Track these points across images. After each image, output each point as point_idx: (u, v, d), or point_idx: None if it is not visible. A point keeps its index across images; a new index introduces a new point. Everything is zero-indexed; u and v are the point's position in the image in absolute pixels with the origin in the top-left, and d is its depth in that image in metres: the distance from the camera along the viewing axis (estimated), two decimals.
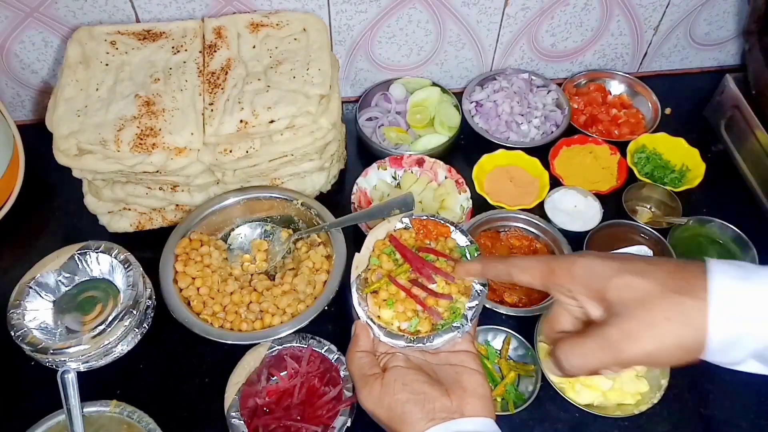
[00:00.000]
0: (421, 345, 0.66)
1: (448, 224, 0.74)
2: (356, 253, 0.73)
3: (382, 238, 0.74)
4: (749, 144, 1.03)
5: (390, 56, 1.11)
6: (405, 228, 0.75)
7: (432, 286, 0.68)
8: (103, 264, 0.86)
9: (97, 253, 0.86)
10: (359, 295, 0.70)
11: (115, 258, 0.85)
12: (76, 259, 0.85)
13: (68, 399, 0.74)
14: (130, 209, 0.94)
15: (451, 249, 0.72)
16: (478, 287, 0.69)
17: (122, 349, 0.82)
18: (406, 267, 0.70)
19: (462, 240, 0.73)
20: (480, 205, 0.97)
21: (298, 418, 0.76)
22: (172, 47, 0.92)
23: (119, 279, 0.85)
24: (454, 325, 0.67)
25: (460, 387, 0.62)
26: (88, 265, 0.86)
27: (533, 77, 1.15)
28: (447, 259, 0.70)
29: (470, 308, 0.68)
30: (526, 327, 0.85)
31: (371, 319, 0.68)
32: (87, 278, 0.87)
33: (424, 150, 1.03)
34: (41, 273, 0.83)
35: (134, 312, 0.81)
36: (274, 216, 0.94)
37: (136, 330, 0.83)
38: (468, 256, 0.71)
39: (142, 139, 0.82)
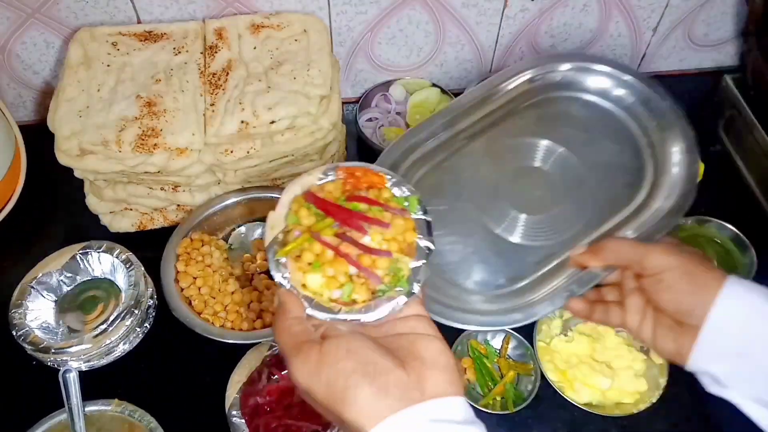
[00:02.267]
0: (357, 317, 0.51)
1: (382, 173, 0.58)
2: (270, 212, 0.57)
3: (300, 193, 0.58)
4: (748, 144, 1.03)
5: (390, 57, 1.11)
6: (330, 181, 0.58)
7: (365, 240, 0.53)
8: (104, 264, 0.86)
9: (98, 252, 0.86)
10: (277, 261, 0.54)
11: (117, 258, 0.85)
12: (78, 258, 0.86)
13: (70, 398, 0.74)
14: (131, 209, 0.94)
15: (387, 200, 0.56)
16: (424, 244, 0.55)
17: (124, 348, 0.83)
18: (331, 221, 0.54)
19: (399, 192, 0.57)
20: None
21: (299, 417, 0.77)
22: (174, 48, 0.92)
23: (121, 279, 0.86)
24: (398, 289, 0.52)
25: (416, 358, 0.47)
26: (89, 265, 0.86)
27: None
28: (383, 207, 0.55)
29: (414, 269, 0.53)
30: (525, 326, 0.85)
31: (295, 289, 0.53)
32: (89, 278, 0.87)
33: None
34: (43, 273, 0.84)
35: (136, 311, 0.82)
36: None
37: (138, 329, 0.83)
38: (410, 207, 0.56)
39: (143, 140, 0.83)
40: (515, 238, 0.69)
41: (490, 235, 0.65)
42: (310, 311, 0.52)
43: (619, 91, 0.76)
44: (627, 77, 0.76)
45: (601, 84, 0.76)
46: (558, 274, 0.66)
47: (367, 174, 0.58)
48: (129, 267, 0.84)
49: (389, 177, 0.58)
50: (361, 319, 0.51)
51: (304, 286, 0.53)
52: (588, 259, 0.63)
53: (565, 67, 0.77)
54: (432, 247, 0.55)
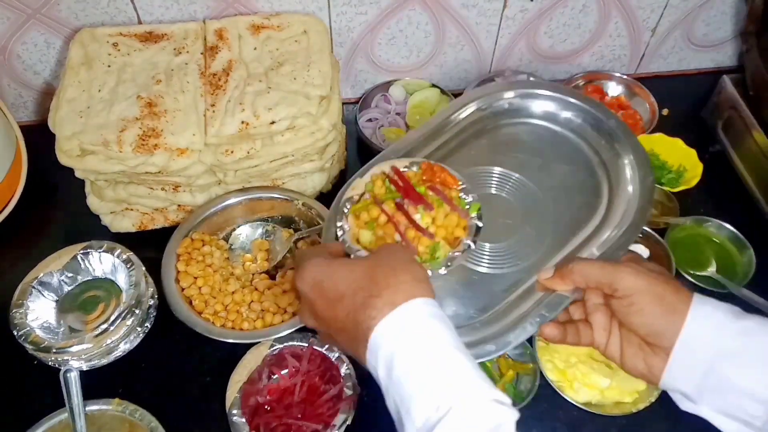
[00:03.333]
0: None
1: (458, 177, 0.68)
2: (357, 176, 0.69)
3: (386, 170, 0.69)
4: (746, 144, 1.04)
5: (390, 58, 1.11)
6: (413, 171, 0.69)
7: (416, 217, 0.64)
8: (105, 264, 0.87)
9: (99, 252, 0.86)
10: (344, 213, 0.66)
11: (118, 258, 0.86)
12: (79, 258, 0.86)
13: (71, 398, 0.75)
14: (132, 209, 0.94)
15: (452, 198, 0.67)
16: (468, 242, 0.64)
17: (124, 348, 0.83)
18: (395, 194, 0.65)
19: (465, 196, 0.67)
20: None
21: (299, 416, 0.77)
22: (174, 49, 0.93)
23: (122, 278, 0.86)
24: (427, 266, 0.61)
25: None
26: (90, 265, 0.87)
27: (531, 78, 1.15)
28: (444, 199, 0.65)
29: (451, 258, 0.62)
30: None
31: (348, 241, 0.64)
32: (90, 278, 0.87)
33: None
34: (44, 273, 0.84)
35: (136, 311, 0.82)
36: (275, 216, 0.95)
37: (139, 329, 0.84)
38: (471, 210, 0.66)
39: (144, 140, 0.83)
40: (482, 267, 0.69)
41: (455, 267, 0.65)
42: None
43: (566, 114, 0.76)
44: (571, 100, 0.76)
45: (547, 108, 0.77)
46: (527, 298, 0.65)
47: (444, 172, 0.68)
48: (130, 267, 0.85)
49: (462, 183, 0.68)
50: None
51: (357, 241, 0.64)
52: (556, 283, 0.63)
53: (510, 94, 0.78)
54: (472, 246, 0.64)
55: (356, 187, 0.68)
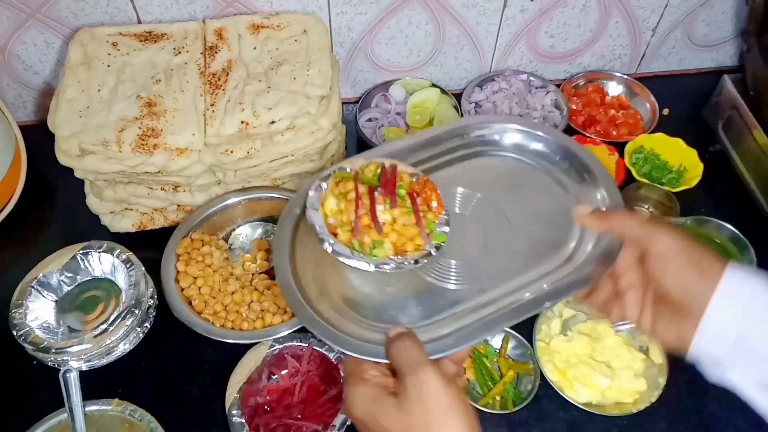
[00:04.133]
0: (359, 264, 0.60)
1: (443, 205, 0.66)
2: (357, 154, 0.69)
3: (386, 163, 0.68)
4: (747, 144, 1.04)
5: (390, 57, 1.11)
6: (410, 173, 0.68)
7: (379, 208, 0.63)
8: (105, 264, 0.87)
9: (99, 252, 0.86)
10: (327, 178, 0.66)
11: (117, 258, 0.86)
12: (78, 258, 0.86)
13: (70, 398, 0.74)
14: (131, 209, 0.94)
15: (426, 216, 0.65)
16: (412, 257, 0.62)
17: (124, 348, 0.83)
18: (376, 182, 0.65)
19: (438, 226, 0.65)
20: None
21: (299, 416, 0.77)
22: (174, 48, 0.92)
23: (121, 278, 0.86)
24: (361, 256, 0.61)
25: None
26: (90, 265, 0.87)
27: (532, 78, 1.15)
28: (415, 212, 0.64)
29: (385, 263, 0.61)
30: (524, 326, 0.85)
31: (318, 209, 0.63)
32: (89, 278, 0.87)
33: None
34: (43, 273, 0.84)
35: (136, 311, 0.82)
36: (275, 216, 0.95)
37: (138, 329, 0.84)
38: (434, 238, 0.64)
39: (143, 140, 0.83)
40: (432, 278, 0.66)
41: (422, 283, 0.64)
42: (328, 247, 0.61)
43: (536, 145, 0.76)
44: (539, 132, 0.76)
45: (516, 140, 0.76)
46: (468, 315, 0.63)
47: (435, 193, 0.67)
48: (129, 267, 0.85)
49: (445, 211, 0.66)
50: (361, 266, 0.61)
51: (323, 204, 0.64)
52: (593, 222, 0.64)
53: (476, 132, 0.76)
54: (410, 267, 0.62)
55: (353, 161, 0.68)
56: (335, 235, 0.63)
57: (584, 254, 0.65)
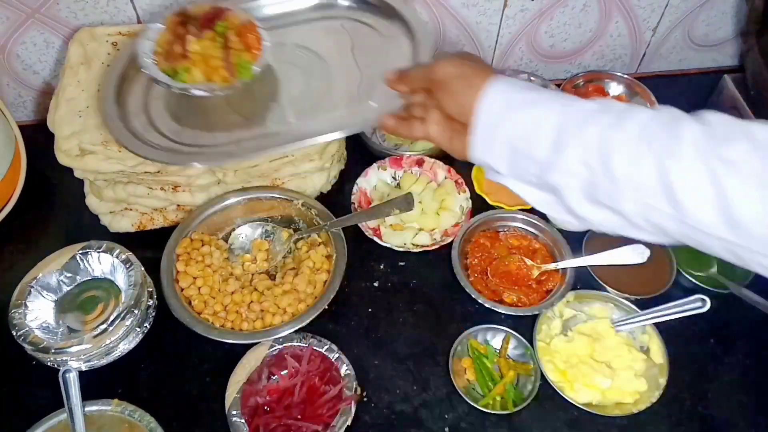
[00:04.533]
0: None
1: (264, 47, 0.81)
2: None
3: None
4: None
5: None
6: (242, 18, 0.82)
7: (188, 37, 0.78)
8: (104, 264, 0.86)
9: (98, 252, 0.86)
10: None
11: (117, 258, 0.85)
12: (78, 258, 0.86)
13: (70, 398, 0.74)
14: (131, 209, 0.94)
15: (235, 54, 0.79)
16: (235, 83, 0.79)
17: (123, 348, 0.83)
18: (203, 13, 0.80)
19: (254, 65, 0.80)
20: (479, 205, 0.98)
21: (299, 417, 0.77)
22: None
23: (121, 279, 0.86)
24: (170, 78, 0.77)
25: None
26: (89, 265, 0.86)
27: (532, 78, 1.15)
28: (225, 47, 0.78)
29: (188, 88, 0.77)
30: (525, 326, 0.86)
31: (148, 38, 0.80)
32: (89, 278, 0.87)
33: (424, 150, 1.03)
34: (43, 273, 0.84)
35: (135, 311, 0.82)
36: (274, 216, 0.95)
37: (138, 329, 0.83)
38: (237, 72, 0.79)
39: None
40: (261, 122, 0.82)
41: (234, 115, 0.82)
42: (144, 68, 0.78)
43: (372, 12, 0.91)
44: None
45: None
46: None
47: (254, 35, 0.80)
48: (129, 267, 0.84)
49: (263, 52, 0.81)
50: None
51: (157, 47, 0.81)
52: (398, 85, 0.71)
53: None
54: (208, 94, 0.78)
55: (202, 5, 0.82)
56: (157, 63, 0.78)
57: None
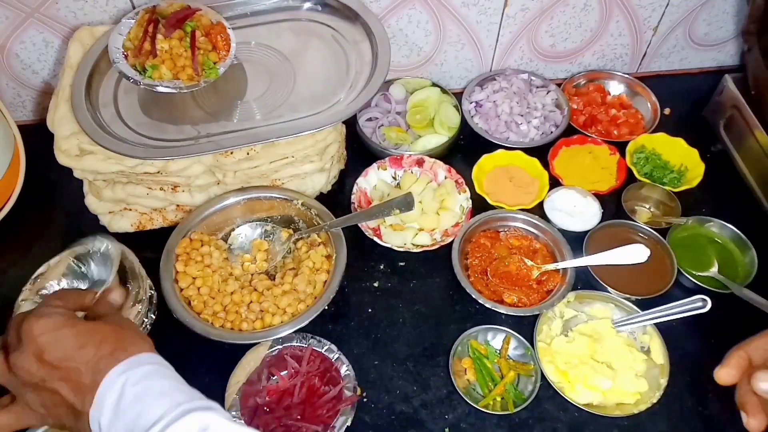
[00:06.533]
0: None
1: (231, 48, 0.86)
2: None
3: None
4: (748, 144, 1.03)
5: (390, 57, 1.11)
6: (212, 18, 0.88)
7: (159, 37, 0.83)
8: (104, 264, 0.86)
9: (98, 253, 0.85)
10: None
11: (116, 258, 0.85)
12: (75, 264, 0.85)
13: None
14: (130, 209, 0.94)
15: (203, 55, 0.85)
16: (200, 82, 0.85)
17: None
18: (175, 11, 0.86)
19: (219, 66, 0.86)
20: (480, 205, 0.98)
21: (299, 417, 0.77)
22: None
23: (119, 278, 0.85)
24: (138, 73, 0.84)
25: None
26: (90, 268, 0.86)
27: (533, 77, 1.15)
28: (192, 47, 0.84)
29: (155, 84, 0.83)
30: (525, 327, 0.85)
31: (121, 33, 0.87)
32: (88, 278, 0.87)
33: (424, 150, 1.03)
34: (42, 273, 0.83)
35: (135, 311, 0.81)
36: (274, 216, 0.95)
37: None
38: (205, 72, 0.85)
39: None
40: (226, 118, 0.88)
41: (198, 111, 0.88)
42: (115, 64, 0.84)
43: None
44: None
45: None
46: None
47: (223, 35, 0.86)
48: (128, 267, 0.84)
49: (230, 53, 0.86)
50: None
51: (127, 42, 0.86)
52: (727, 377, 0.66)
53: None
54: (174, 91, 0.84)
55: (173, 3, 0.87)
56: (127, 57, 0.83)
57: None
